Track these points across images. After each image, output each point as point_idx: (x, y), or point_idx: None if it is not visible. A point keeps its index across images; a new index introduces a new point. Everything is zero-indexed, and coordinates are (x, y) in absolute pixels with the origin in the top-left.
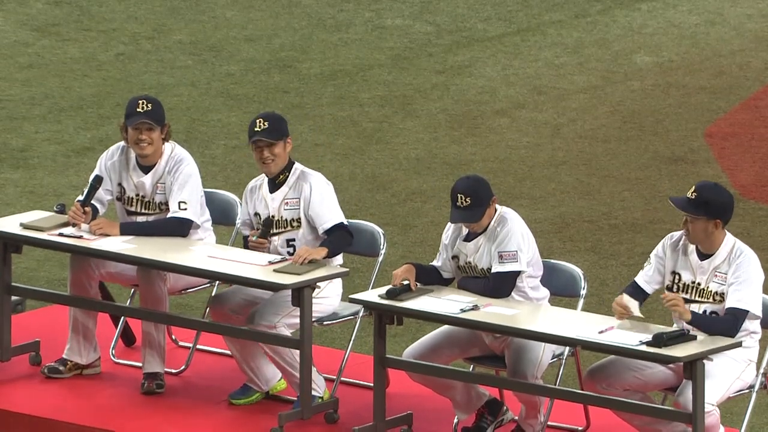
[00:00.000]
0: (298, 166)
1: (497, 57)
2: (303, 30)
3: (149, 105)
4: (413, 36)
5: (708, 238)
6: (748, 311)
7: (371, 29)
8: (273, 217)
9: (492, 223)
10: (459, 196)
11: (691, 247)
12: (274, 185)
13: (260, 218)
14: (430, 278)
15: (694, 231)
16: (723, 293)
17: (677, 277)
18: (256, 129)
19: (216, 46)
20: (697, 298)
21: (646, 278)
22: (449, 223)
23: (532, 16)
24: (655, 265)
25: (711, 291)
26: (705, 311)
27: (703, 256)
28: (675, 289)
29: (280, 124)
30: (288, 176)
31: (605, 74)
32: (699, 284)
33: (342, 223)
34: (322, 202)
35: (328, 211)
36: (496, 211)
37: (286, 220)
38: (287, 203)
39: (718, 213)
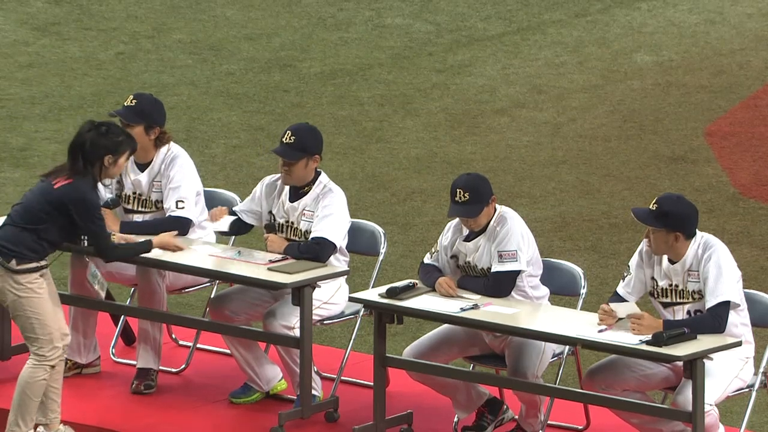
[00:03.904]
0: (322, 179)
1: (497, 56)
2: (303, 29)
3: (133, 101)
4: (413, 35)
5: (670, 250)
6: (728, 302)
7: (371, 28)
8: (274, 221)
9: (492, 222)
10: (458, 191)
11: None
12: (297, 195)
13: (274, 218)
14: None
15: (655, 242)
16: (701, 290)
17: (655, 282)
18: (283, 139)
19: (216, 45)
20: (678, 300)
21: (628, 289)
22: (448, 224)
23: (532, 15)
24: (635, 274)
25: (689, 290)
26: (689, 311)
27: (674, 261)
28: (655, 295)
29: (305, 141)
30: (311, 189)
31: (605, 73)
32: (677, 286)
33: (325, 238)
34: (324, 217)
35: (324, 225)
36: (495, 210)
37: (301, 230)
38: (305, 215)
39: (678, 226)
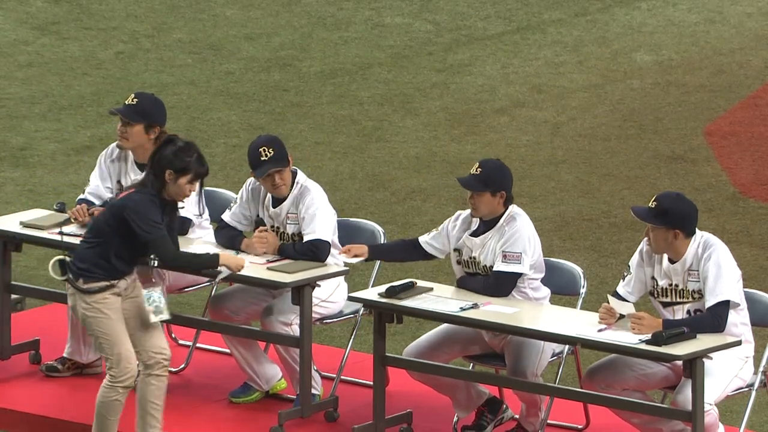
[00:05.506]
0: (299, 179)
1: (497, 55)
2: (303, 28)
3: (134, 100)
4: (413, 34)
5: (670, 248)
6: (728, 301)
7: (371, 27)
8: (262, 219)
9: (501, 220)
10: (477, 164)
11: None
12: (278, 199)
13: (262, 222)
14: (393, 255)
15: (655, 240)
16: (701, 289)
17: (655, 282)
18: (263, 159)
19: (216, 45)
20: (678, 300)
21: (629, 288)
22: (457, 212)
23: (532, 14)
24: (635, 273)
25: (689, 290)
26: (689, 311)
27: (674, 260)
28: (655, 294)
29: (282, 147)
30: (291, 191)
31: (605, 73)
32: (677, 285)
33: (320, 239)
34: (311, 217)
35: (313, 227)
36: (506, 209)
37: (289, 234)
38: (289, 218)
39: (677, 223)
